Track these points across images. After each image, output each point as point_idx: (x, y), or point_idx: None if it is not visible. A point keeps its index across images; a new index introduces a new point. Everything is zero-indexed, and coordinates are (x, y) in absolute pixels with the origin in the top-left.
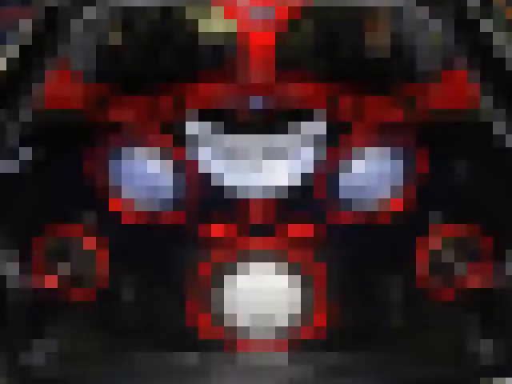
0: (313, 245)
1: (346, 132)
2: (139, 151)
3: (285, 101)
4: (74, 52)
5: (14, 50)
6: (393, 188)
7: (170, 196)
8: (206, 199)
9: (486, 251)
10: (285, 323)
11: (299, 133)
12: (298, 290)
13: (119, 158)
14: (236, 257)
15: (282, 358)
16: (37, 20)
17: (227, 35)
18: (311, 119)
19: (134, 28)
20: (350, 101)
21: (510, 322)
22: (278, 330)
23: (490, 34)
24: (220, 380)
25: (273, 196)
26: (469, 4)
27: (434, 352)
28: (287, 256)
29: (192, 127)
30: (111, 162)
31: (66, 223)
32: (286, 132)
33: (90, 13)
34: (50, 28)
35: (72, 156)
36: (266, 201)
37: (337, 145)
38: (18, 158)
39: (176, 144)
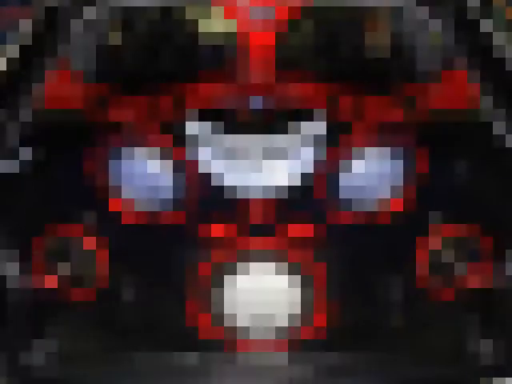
0: (313, 245)
1: (346, 132)
2: (139, 151)
3: (285, 101)
4: (74, 52)
5: (14, 50)
6: (393, 188)
7: (170, 196)
8: (206, 199)
9: (486, 251)
10: (285, 323)
11: (299, 133)
12: (298, 290)
13: (119, 158)
14: (236, 257)
15: (281, 358)
16: (37, 20)
17: (227, 35)
18: (311, 119)
19: (134, 28)
20: (350, 101)
21: (510, 322)
22: (278, 329)
23: (490, 34)
24: (220, 380)
25: (273, 196)
26: (469, 4)
27: (434, 352)
28: (287, 256)
29: (192, 127)
30: (111, 162)
31: (66, 223)
32: (286, 132)
33: (89, 13)
34: (50, 28)
35: (72, 156)
36: (265, 201)
37: (337, 145)
38: (18, 158)
39: (176, 144)
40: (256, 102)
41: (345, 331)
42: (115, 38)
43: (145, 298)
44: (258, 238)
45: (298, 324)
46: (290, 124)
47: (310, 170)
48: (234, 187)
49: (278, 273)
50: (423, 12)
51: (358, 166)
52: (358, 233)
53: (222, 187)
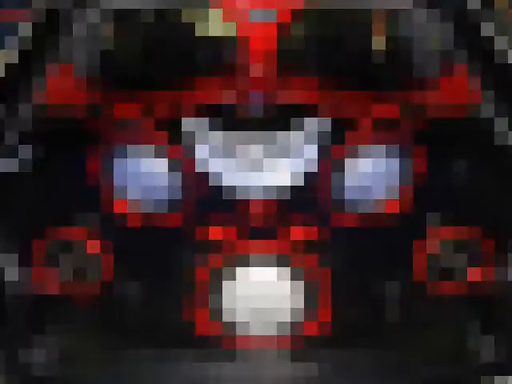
0: (316, 248)
1: (351, 129)
2: (134, 149)
3: (286, 97)
4: (74, 52)
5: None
6: (402, 188)
7: (166, 197)
8: (203, 200)
9: (488, 254)
10: (286, 331)
11: (302, 129)
12: (301, 297)
13: (118, 157)
14: (235, 261)
15: (283, 355)
16: (36, 23)
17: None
18: (315, 115)
19: (132, 25)
20: (350, 100)
21: (511, 322)
22: (279, 330)
23: (491, 38)
24: (220, 379)
25: (274, 197)
26: (469, 7)
27: (435, 351)
28: (290, 260)
29: (189, 124)
30: (104, 162)
31: (64, 223)
32: (288, 129)
33: (90, 15)
34: (50, 28)
35: (72, 155)
36: (266, 202)
37: (338, 143)
38: (17, 157)
39: (172, 142)
40: (256, 97)
41: (345, 331)
42: (112, 32)
43: (142, 299)
44: (259, 242)
45: (301, 328)
46: (293, 120)
47: (314, 169)
48: (233, 187)
49: (279, 278)
50: (424, 15)
51: (364, 164)
52: (361, 234)
53: (221, 187)
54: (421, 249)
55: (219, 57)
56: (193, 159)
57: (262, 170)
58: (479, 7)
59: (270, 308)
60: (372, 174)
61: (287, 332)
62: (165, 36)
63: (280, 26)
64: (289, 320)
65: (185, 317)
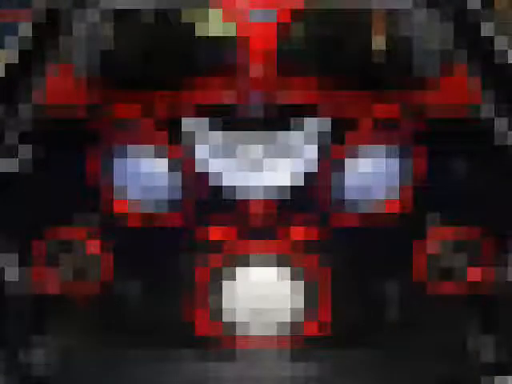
0: (316, 248)
1: (351, 129)
2: (134, 149)
3: (286, 97)
4: (74, 52)
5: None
6: (402, 188)
7: (166, 197)
8: (203, 200)
9: (487, 254)
10: (286, 331)
11: (302, 130)
12: (301, 298)
13: (118, 157)
14: (235, 261)
15: (283, 355)
16: (37, 23)
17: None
18: (315, 115)
19: (132, 25)
20: (350, 100)
21: (511, 322)
22: (279, 330)
23: (491, 38)
24: (220, 379)
25: (274, 197)
26: (469, 7)
27: (436, 350)
28: (290, 260)
29: (189, 124)
30: (104, 162)
31: (64, 224)
32: (288, 129)
33: (90, 15)
34: (50, 28)
35: (70, 156)
36: (267, 202)
37: (338, 143)
38: (17, 157)
39: (172, 142)
40: (256, 97)
41: (345, 331)
42: (110, 32)
43: (141, 300)
44: (259, 242)
45: (300, 327)
46: (293, 120)
47: (314, 169)
48: (233, 187)
49: (279, 278)
50: (424, 15)
51: (364, 164)
52: (362, 234)
53: (221, 187)
54: (421, 249)
55: (219, 57)
56: (193, 159)
57: (262, 170)
58: (479, 7)
59: (270, 308)
60: (372, 174)
61: (287, 332)
62: (165, 36)
63: (280, 26)
64: (289, 320)
65: (185, 317)
